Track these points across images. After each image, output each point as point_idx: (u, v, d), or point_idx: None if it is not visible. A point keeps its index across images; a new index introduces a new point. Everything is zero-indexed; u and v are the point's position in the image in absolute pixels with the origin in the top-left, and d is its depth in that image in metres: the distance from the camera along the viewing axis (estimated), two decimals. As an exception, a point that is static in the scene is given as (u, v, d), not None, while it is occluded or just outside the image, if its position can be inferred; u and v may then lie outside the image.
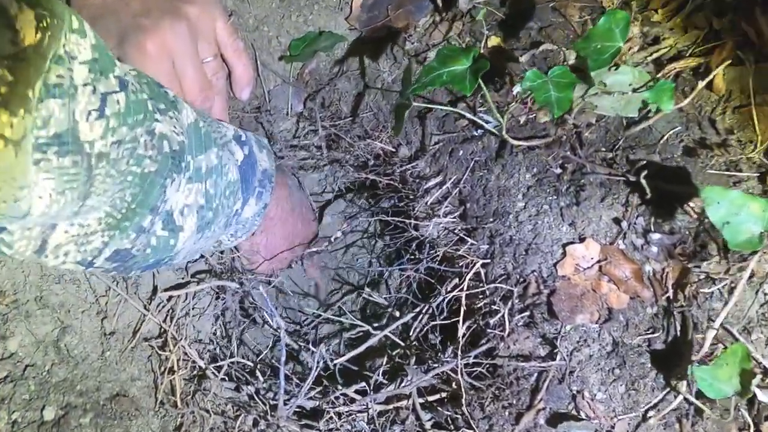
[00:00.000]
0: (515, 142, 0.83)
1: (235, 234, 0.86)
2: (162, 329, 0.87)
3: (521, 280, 0.82)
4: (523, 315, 0.81)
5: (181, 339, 0.87)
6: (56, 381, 0.79)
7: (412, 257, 1.02)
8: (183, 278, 0.95)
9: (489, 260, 0.86)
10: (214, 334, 1.00)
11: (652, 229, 0.76)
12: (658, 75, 0.82)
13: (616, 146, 0.82)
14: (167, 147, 0.61)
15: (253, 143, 0.83)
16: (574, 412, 0.74)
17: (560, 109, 0.69)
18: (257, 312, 1.06)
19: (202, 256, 0.98)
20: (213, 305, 0.99)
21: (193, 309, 0.95)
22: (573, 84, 0.70)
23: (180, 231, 0.67)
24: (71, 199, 0.51)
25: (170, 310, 0.92)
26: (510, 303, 0.82)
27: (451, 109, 0.88)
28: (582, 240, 0.79)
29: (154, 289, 0.91)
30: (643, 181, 0.74)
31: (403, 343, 0.98)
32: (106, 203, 0.58)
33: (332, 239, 1.22)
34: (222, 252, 0.97)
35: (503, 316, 0.82)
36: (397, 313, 1.14)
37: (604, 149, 0.83)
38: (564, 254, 0.79)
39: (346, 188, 1.29)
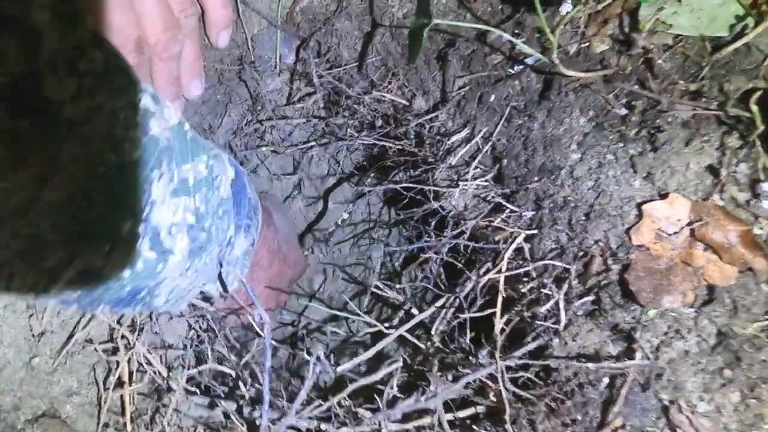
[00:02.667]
0: (571, 73, 0.63)
1: (227, 279, 0.66)
2: (113, 330, 0.67)
3: (581, 254, 0.62)
4: (584, 300, 0.61)
5: (137, 342, 0.67)
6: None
7: (432, 237, 0.82)
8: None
9: (535, 231, 0.66)
10: (188, 338, 0.80)
11: (762, 177, 0.56)
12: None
13: (701, 75, 0.62)
14: (156, 132, 0.46)
15: (239, 167, 0.66)
16: (667, 431, 0.53)
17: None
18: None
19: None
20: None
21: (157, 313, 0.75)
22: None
23: (170, 255, 0.51)
24: None
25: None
26: (566, 285, 0.62)
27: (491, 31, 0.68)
28: (664, 196, 0.59)
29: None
30: (753, 112, 0.54)
31: (423, 346, 0.78)
32: None
33: (339, 222, 1.02)
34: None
35: (557, 303, 0.62)
36: (415, 311, 0.95)
37: (683, 81, 0.63)
38: (639, 216, 0.59)
39: (354, 168, 1.10)
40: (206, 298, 0.72)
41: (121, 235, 0.46)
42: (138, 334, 0.69)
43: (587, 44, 0.67)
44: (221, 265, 0.64)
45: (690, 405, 0.53)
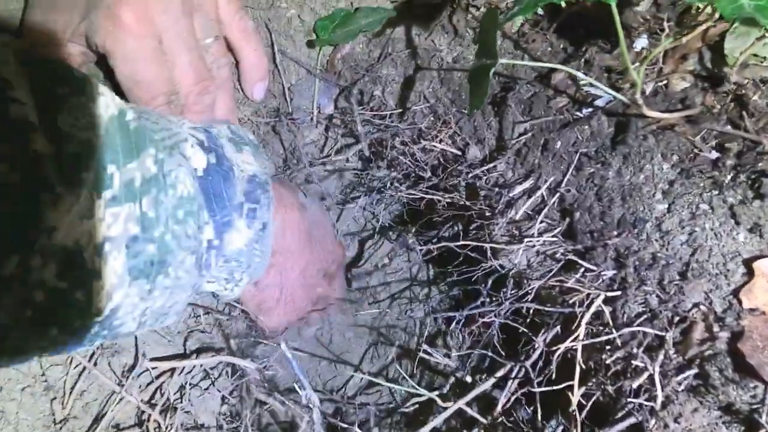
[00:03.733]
0: (653, 114, 0.56)
1: (231, 277, 0.59)
2: (142, 413, 0.60)
3: (677, 319, 0.54)
4: (686, 375, 0.52)
5: (170, 428, 0.59)
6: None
7: (487, 298, 0.74)
8: (184, 343, 0.68)
9: (618, 292, 0.58)
10: (222, 414, 0.72)
11: None
12: None
13: (804, 112, 0.55)
14: (51, 149, 0.37)
15: (225, 141, 0.58)
16: None
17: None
18: (280, 381, 0.79)
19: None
20: (220, 381, 0.72)
21: (190, 385, 0.68)
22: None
23: (94, 278, 0.42)
24: None
25: (159, 389, 0.65)
26: (661, 356, 0.53)
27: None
28: (777, 251, 0.51)
29: (136, 359, 0.64)
30: None
31: (484, 420, 0.69)
32: None
33: (378, 265, 0.95)
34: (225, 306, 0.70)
35: (651, 376, 0.53)
36: (468, 378, 0.86)
37: (783, 119, 0.56)
38: (749, 275, 0.51)
39: (393, 222, 1.03)
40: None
41: (5, 273, 0.36)
42: (169, 415, 0.61)
43: (665, 82, 0.61)
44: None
45: (839, 507, 0.43)
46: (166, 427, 0.58)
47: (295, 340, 0.90)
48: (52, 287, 0.39)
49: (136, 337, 0.65)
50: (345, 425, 0.70)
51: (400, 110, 0.74)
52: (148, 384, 0.63)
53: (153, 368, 0.63)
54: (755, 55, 0.56)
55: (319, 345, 1.00)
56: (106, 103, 0.43)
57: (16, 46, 0.39)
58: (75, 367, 0.59)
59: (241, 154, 0.60)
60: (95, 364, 0.60)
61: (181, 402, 0.66)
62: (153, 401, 0.62)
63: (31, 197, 0.36)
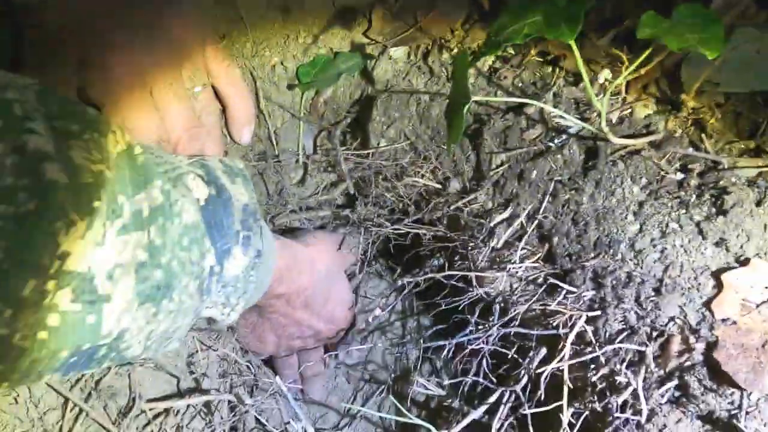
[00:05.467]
0: (619, 141, 0.59)
1: (228, 302, 0.61)
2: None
3: (655, 334, 0.56)
4: (667, 387, 0.54)
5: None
6: None
7: (475, 327, 0.76)
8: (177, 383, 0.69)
9: (598, 312, 0.60)
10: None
11: None
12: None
13: (759, 132, 0.58)
14: (65, 179, 0.39)
15: (220, 173, 0.60)
16: None
17: (714, 49, 0.46)
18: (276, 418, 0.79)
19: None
20: (218, 422, 0.72)
21: (187, 428, 0.68)
22: (717, 19, 0.48)
23: (105, 302, 0.44)
24: None
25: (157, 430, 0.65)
26: (643, 370, 0.55)
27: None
28: (743, 263, 0.53)
29: (132, 401, 0.65)
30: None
31: (480, 449, 0.70)
32: None
33: (370, 319, 0.96)
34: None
35: (635, 391, 0.55)
36: (460, 407, 0.87)
37: (740, 139, 0.59)
38: (719, 287, 0.53)
39: (377, 259, 1.05)
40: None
41: (22, 296, 0.38)
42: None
43: (629, 110, 0.64)
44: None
45: (820, 506, 0.45)
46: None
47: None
48: (65, 311, 0.41)
49: (130, 379, 0.66)
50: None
51: (382, 148, 0.77)
52: (145, 425, 0.64)
53: (150, 409, 0.64)
54: (709, 82, 0.60)
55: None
56: (116, 139, 0.46)
57: (35, 88, 0.42)
58: (71, 410, 0.60)
59: (235, 184, 0.62)
60: (92, 406, 0.61)
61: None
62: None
63: (47, 224, 0.38)
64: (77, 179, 0.40)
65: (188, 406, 0.70)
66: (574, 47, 0.50)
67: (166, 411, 0.65)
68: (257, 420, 0.71)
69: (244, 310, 0.65)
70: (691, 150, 0.60)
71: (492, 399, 0.70)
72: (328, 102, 0.80)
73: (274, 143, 0.81)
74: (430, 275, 0.74)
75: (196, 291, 0.53)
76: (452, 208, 0.73)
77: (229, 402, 0.72)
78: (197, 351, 0.70)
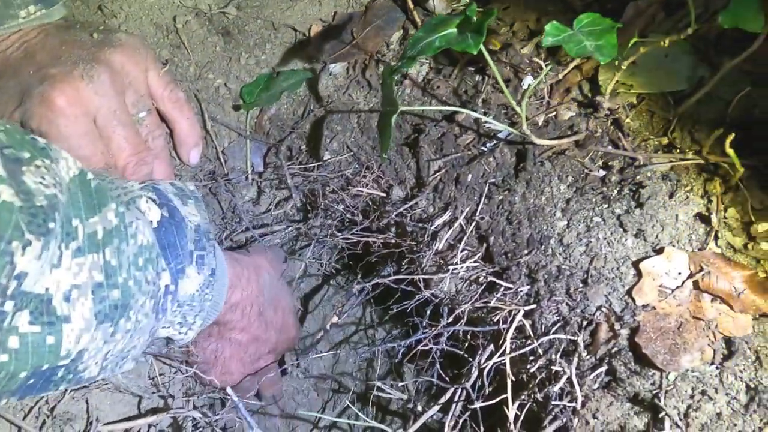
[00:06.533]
0: (543, 142, 0.63)
1: (185, 321, 0.63)
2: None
3: (585, 323, 0.59)
4: (598, 372, 0.57)
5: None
6: None
7: (428, 328, 0.78)
8: (139, 404, 0.70)
9: (534, 305, 0.63)
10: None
11: (754, 218, 0.55)
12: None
13: (670, 129, 0.62)
14: (20, 201, 0.41)
15: (172, 196, 0.63)
16: (717, 506, 0.48)
17: (606, 55, 0.50)
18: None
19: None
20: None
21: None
22: (613, 28, 0.51)
23: (64, 322, 0.45)
24: None
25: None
26: (575, 358, 0.59)
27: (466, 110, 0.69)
28: (659, 251, 0.57)
29: (90, 425, 0.66)
30: (730, 155, 0.53)
31: (436, 446, 0.72)
32: None
33: (328, 327, 0.98)
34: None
35: (569, 378, 0.58)
36: (420, 408, 0.89)
37: (654, 136, 0.63)
38: (638, 275, 0.57)
39: (335, 269, 1.08)
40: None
41: None
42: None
43: (554, 114, 0.68)
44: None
45: (735, 473, 0.48)
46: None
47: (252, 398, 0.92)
48: (24, 332, 0.42)
49: (88, 403, 0.67)
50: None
51: (326, 160, 0.79)
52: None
53: None
54: (623, 83, 0.64)
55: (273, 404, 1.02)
56: (68, 165, 0.47)
57: None
58: (25, 437, 0.61)
59: (187, 206, 0.64)
60: (47, 432, 0.62)
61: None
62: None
63: (4, 244, 0.39)
64: (31, 202, 0.41)
65: (149, 426, 0.71)
66: (487, 56, 0.53)
67: None
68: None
69: (201, 329, 0.67)
70: (610, 148, 0.63)
71: (445, 397, 0.73)
72: (273, 119, 0.83)
73: (223, 162, 0.83)
74: (377, 280, 0.76)
75: (151, 310, 0.55)
76: (395, 214, 0.76)
77: (193, 419, 0.73)
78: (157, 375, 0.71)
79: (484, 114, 0.69)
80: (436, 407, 0.73)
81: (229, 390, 0.65)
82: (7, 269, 0.39)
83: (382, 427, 0.73)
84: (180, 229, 0.61)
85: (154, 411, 0.71)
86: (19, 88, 0.64)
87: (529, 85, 0.67)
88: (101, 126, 0.66)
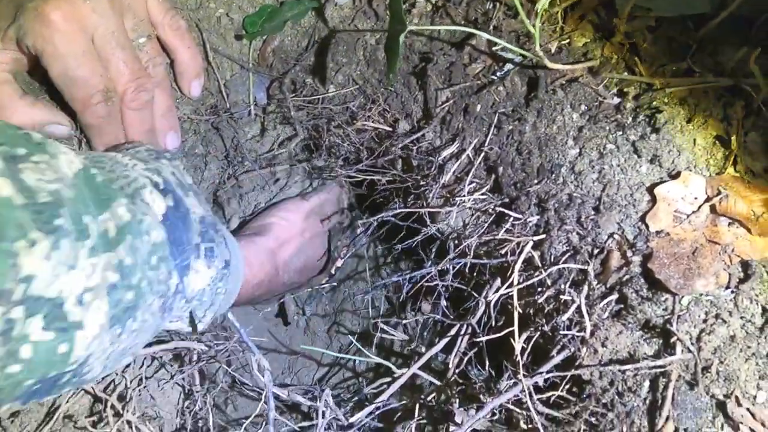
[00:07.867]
0: (557, 66, 0.60)
1: (195, 315, 0.60)
2: (97, 401, 0.61)
3: (596, 251, 0.58)
4: (608, 300, 0.56)
5: (127, 411, 0.61)
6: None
7: (434, 264, 0.77)
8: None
9: (543, 236, 0.61)
10: (184, 405, 0.73)
11: (776, 141, 0.53)
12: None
13: (690, 53, 0.60)
14: (21, 198, 0.38)
15: (174, 186, 0.58)
16: (728, 429, 0.47)
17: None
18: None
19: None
20: (179, 371, 0.73)
21: (147, 379, 0.69)
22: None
23: (77, 329, 0.42)
24: None
25: (114, 381, 0.66)
26: (585, 287, 0.57)
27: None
28: (675, 176, 0.55)
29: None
30: (755, 74, 0.51)
31: (439, 382, 0.71)
32: None
33: (332, 271, 0.97)
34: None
35: (579, 308, 0.57)
36: (423, 348, 0.88)
37: (672, 61, 0.61)
38: (653, 201, 0.55)
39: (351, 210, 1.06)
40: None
41: None
42: (126, 404, 0.62)
43: (568, 40, 0.65)
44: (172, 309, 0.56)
45: (748, 396, 0.47)
46: (122, 413, 0.59)
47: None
48: (37, 340, 0.39)
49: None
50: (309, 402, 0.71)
51: (332, 93, 0.77)
52: (104, 377, 0.65)
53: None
54: (641, 7, 0.61)
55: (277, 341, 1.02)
56: (69, 160, 0.44)
57: None
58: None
59: (188, 197, 0.60)
60: None
61: (140, 394, 0.67)
62: (108, 391, 0.63)
63: (7, 245, 0.36)
64: (34, 199, 0.38)
65: (153, 358, 0.71)
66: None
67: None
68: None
69: (212, 321, 0.64)
70: (626, 74, 0.61)
71: (451, 333, 0.72)
72: (276, 51, 0.80)
73: (225, 96, 0.81)
74: (382, 216, 0.75)
75: (158, 309, 0.52)
76: (401, 147, 0.74)
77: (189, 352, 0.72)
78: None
79: (497, 39, 0.66)
80: (442, 343, 0.72)
81: (230, 316, 0.64)
82: (11, 272, 0.36)
83: (387, 363, 0.73)
84: (186, 222, 0.57)
85: (157, 342, 0.71)
86: (13, 3, 0.62)
87: (542, 6, 0.64)
88: (99, 47, 0.63)
